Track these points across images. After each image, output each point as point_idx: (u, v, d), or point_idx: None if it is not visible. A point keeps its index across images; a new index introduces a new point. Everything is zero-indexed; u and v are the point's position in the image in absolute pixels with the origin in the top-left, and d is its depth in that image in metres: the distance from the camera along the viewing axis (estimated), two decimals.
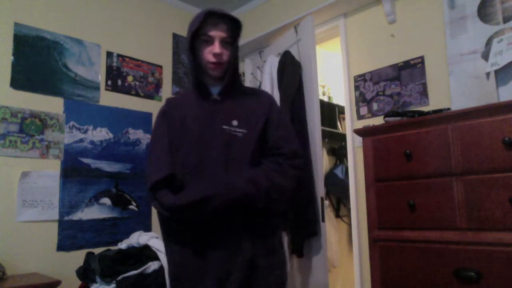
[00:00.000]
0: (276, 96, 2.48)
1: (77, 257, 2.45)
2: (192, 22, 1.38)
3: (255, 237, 1.32)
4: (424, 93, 2.28)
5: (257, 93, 1.54)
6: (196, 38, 1.38)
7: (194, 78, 1.44)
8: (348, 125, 2.64)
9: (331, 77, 3.93)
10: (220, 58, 1.36)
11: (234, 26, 1.40)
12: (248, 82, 3.31)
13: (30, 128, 2.45)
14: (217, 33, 1.35)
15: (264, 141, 1.40)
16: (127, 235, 2.53)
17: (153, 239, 2.31)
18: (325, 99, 3.71)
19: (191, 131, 1.38)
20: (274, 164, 1.36)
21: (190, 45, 1.40)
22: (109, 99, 2.87)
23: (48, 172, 2.50)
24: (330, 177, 3.48)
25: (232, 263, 1.28)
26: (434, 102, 2.22)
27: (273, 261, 1.35)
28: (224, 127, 1.36)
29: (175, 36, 3.38)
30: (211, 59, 1.36)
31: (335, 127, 3.69)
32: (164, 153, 1.39)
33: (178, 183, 1.34)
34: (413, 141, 1.77)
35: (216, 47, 1.35)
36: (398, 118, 1.92)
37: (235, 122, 1.37)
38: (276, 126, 1.42)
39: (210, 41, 1.36)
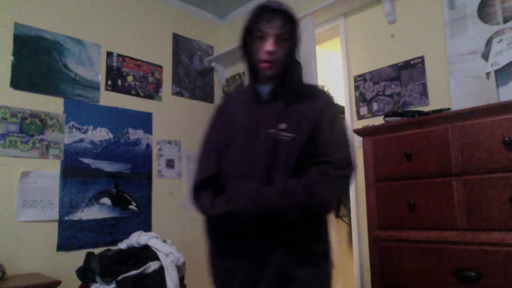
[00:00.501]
0: None
1: (77, 257, 2.45)
2: (247, 18, 1.30)
3: (287, 247, 1.24)
4: (424, 93, 2.28)
5: (314, 93, 1.40)
6: (249, 34, 1.31)
7: (247, 77, 1.39)
8: (348, 125, 2.64)
9: (331, 77, 3.93)
10: (272, 56, 1.27)
11: (291, 21, 1.29)
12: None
13: (30, 128, 2.45)
14: (270, 29, 1.26)
15: (314, 146, 1.29)
16: (127, 235, 2.53)
17: (153, 239, 2.31)
18: None
19: (238, 132, 1.33)
20: (319, 174, 1.25)
21: (243, 41, 1.33)
22: (109, 99, 2.87)
23: (48, 172, 2.50)
24: None
25: (259, 274, 1.23)
26: (434, 102, 2.22)
27: (312, 273, 1.25)
28: (270, 130, 1.28)
29: (175, 36, 3.38)
30: (264, 56, 1.28)
31: None
32: (211, 152, 1.36)
33: (222, 183, 1.31)
34: (413, 141, 1.77)
35: (269, 44, 1.26)
36: (398, 118, 1.92)
37: (282, 125, 1.28)
38: (327, 131, 1.30)
39: (263, 37, 1.27)
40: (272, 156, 1.27)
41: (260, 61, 1.29)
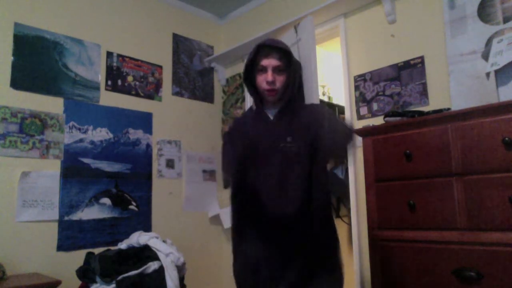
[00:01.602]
0: None
1: (77, 257, 2.45)
2: (249, 54, 1.59)
3: (307, 251, 1.49)
4: (424, 93, 2.28)
5: (311, 107, 1.70)
6: (252, 68, 1.59)
7: (254, 103, 1.66)
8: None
9: (331, 77, 3.93)
10: (273, 85, 1.55)
11: (286, 55, 1.57)
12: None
13: (30, 128, 2.45)
14: (269, 63, 1.54)
15: (317, 151, 1.53)
16: (127, 235, 2.53)
17: (153, 239, 2.31)
18: (325, 99, 3.71)
19: (257, 146, 1.56)
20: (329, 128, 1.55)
21: (247, 75, 1.62)
22: (109, 99, 2.87)
23: (48, 172, 2.50)
24: (330, 177, 3.48)
25: (284, 271, 1.47)
26: (434, 102, 2.22)
27: (328, 276, 1.52)
28: (282, 144, 1.53)
29: (175, 36, 3.38)
30: (266, 86, 1.56)
31: None
32: (234, 155, 1.60)
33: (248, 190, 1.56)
34: (413, 141, 1.77)
35: (269, 76, 1.54)
36: (398, 118, 1.92)
37: (289, 139, 1.53)
38: (327, 126, 1.56)
39: (264, 70, 1.55)
40: (285, 166, 1.51)
41: (264, 90, 1.58)
